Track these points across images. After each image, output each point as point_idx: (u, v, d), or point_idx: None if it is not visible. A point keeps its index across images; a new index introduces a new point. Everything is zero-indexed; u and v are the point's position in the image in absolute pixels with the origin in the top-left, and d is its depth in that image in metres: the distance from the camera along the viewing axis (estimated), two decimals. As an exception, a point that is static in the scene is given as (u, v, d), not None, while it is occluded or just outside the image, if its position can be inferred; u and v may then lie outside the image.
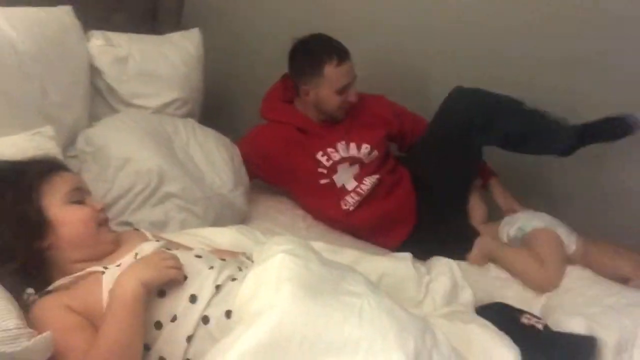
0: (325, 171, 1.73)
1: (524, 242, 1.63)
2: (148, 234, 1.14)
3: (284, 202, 1.84)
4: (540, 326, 1.21)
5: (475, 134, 1.66)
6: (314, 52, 1.68)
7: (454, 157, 1.71)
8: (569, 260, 1.55)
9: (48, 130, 1.34)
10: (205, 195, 1.52)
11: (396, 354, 0.83)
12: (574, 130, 1.63)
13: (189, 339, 0.89)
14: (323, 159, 1.73)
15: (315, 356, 0.80)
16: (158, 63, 1.80)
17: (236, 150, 1.76)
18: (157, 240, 1.07)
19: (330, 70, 1.65)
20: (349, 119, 1.77)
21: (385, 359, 0.82)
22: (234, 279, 0.96)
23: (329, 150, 1.73)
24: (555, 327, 1.24)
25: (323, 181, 1.74)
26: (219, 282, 0.94)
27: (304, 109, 1.78)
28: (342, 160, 1.74)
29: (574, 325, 1.20)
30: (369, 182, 1.74)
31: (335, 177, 1.73)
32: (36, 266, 0.97)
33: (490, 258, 1.61)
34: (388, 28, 2.01)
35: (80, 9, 1.60)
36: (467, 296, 1.36)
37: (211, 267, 0.98)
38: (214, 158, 1.65)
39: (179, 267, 0.94)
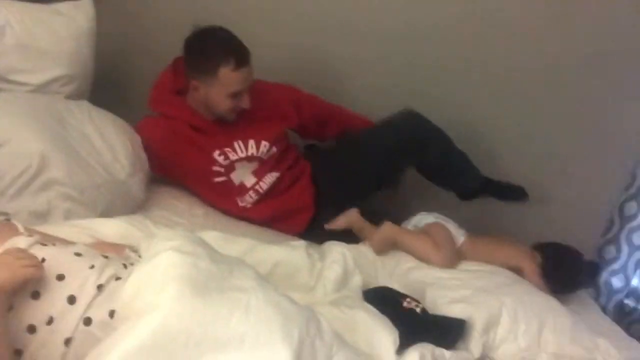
0: (222, 169, 1.70)
1: None
2: (20, 227, 1.04)
3: (181, 189, 1.80)
4: (418, 309, 1.32)
5: (405, 155, 1.75)
6: (211, 49, 1.58)
7: (374, 165, 1.76)
8: (460, 253, 1.69)
9: None
10: (95, 183, 1.44)
11: (280, 344, 0.87)
12: (480, 180, 1.83)
13: (68, 341, 0.86)
14: (220, 158, 1.69)
15: (201, 354, 0.81)
16: (42, 35, 1.65)
17: (135, 135, 1.67)
18: (30, 235, 0.99)
19: (226, 74, 1.57)
20: (245, 114, 1.70)
21: (269, 350, 0.86)
22: (117, 278, 0.94)
23: (226, 149, 1.68)
24: (433, 310, 1.35)
25: (218, 179, 1.70)
26: (101, 282, 0.91)
27: (195, 105, 1.69)
28: (240, 159, 1.71)
29: (450, 309, 1.32)
30: (268, 180, 1.73)
31: (232, 175, 1.70)
32: None
33: (393, 243, 1.69)
34: (294, 19, 2.01)
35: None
36: (356, 281, 1.44)
37: (92, 266, 0.94)
38: (112, 142, 1.56)
39: (36, 264, 0.88)
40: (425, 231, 1.74)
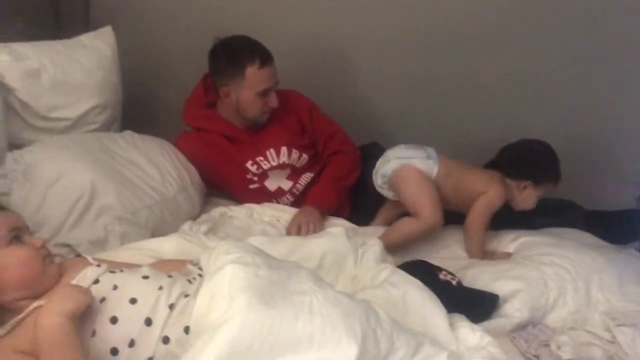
0: (255, 178, 1.76)
1: (391, 187, 1.69)
2: (89, 258, 1.13)
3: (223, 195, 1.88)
4: (454, 282, 1.36)
5: None
6: (235, 52, 1.66)
7: None
8: (437, 186, 1.62)
9: (-29, 165, 1.29)
10: (145, 204, 1.53)
11: (346, 339, 0.93)
12: None
13: None
14: (253, 168, 1.75)
15: (275, 357, 0.88)
16: (72, 70, 1.73)
17: (177, 151, 1.76)
18: (99, 265, 1.08)
19: (252, 72, 1.64)
20: (273, 123, 1.77)
21: (337, 346, 0.92)
22: (186, 295, 1.01)
23: (259, 159, 1.75)
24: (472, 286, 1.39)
25: (253, 186, 1.77)
26: (171, 301, 0.99)
27: (227, 114, 1.76)
28: (272, 168, 1.77)
29: (491, 286, 1.35)
30: (304, 182, 1.79)
31: (266, 183, 1.77)
32: None
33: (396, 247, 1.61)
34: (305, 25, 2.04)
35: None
36: (391, 259, 1.49)
37: (160, 287, 1.01)
38: (158, 162, 1.65)
39: (87, 292, 0.97)
40: (394, 184, 1.65)
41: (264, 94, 1.68)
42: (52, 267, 1.04)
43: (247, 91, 1.67)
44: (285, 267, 1.07)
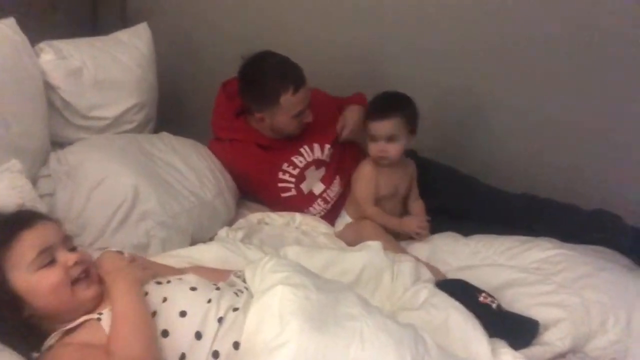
0: (292, 180, 1.76)
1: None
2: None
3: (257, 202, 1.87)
4: (494, 305, 1.34)
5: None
6: (269, 82, 1.63)
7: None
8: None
9: (15, 164, 1.30)
10: (185, 208, 1.54)
11: None
12: None
13: None
14: (290, 169, 1.75)
15: (328, 383, 0.89)
16: (111, 68, 1.74)
17: (212, 155, 1.77)
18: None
19: (287, 100, 1.64)
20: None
21: (388, 374, 0.93)
22: (235, 309, 1.02)
23: (293, 158, 1.75)
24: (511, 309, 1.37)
25: (286, 194, 1.76)
26: (220, 315, 1.00)
27: (258, 127, 1.76)
28: (308, 164, 1.77)
29: (531, 312, 1.33)
30: (335, 188, 1.79)
31: (302, 186, 1.76)
32: (25, 333, 0.96)
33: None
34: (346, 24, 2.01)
35: (17, 17, 1.50)
36: (426, 273, 1.48)
37: (209, 300, 1.02)
38: (196, 166, 1.66)
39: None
40: None
41: (299, 114, 1.69)
42: (86, 290, 1.00)
43: (282, 116, 1.68)
44: (332, 288, 1.08)
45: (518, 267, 1.53)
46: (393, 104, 1.62)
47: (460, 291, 1.37)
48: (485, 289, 1.41)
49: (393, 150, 1.62)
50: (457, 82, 1.94)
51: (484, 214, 1.73)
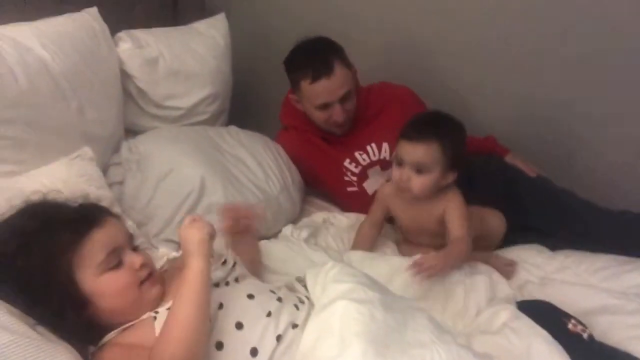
0: (354, 178, 1.67)
1: None
2: None
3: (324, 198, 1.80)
4: (585, 335, 1.18)
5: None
6: (295, 64, 1.58)
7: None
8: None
9: (87, 152, 1.32)
10: (250, 202, 1.49)
11: None
12: None
13: None
14: (351, 166, 1.66)
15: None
16: (188, 58, 1.74)
17: (282, 150, 1.72)
18: None
19: (305, 87, 1.55)
20: (374, 116, 1.66)
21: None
22: (294, 326, 0.95)
23: (357, 154, 1.65)
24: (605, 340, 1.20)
25: (350, 189, 1.68)
26: (279, 332, 0.93)
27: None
28: (372, 163, 1.66)
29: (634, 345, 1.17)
30: None
31: (365, 185, 1.66)
32: (84, 331, 0.94)
33: None
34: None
35: (100, 7, 1.53)
36: (504, 289, 1.34)
37: (269, 314, 0.95)
38: (262, 160, 1.62)
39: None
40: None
41: (323, 107, 1.57)
42: (151, 289, 0.98)
43: (307, 104, 1.61)
44: (401, 308, 0.98)
45: (614, 291, 1.34)
46: (433, 125, 1.33)
47: (546, 315, 1.21)
48: (574, 313, 1.24)
49: (417, 184, 1.31)
50: (541, 91, 1.73)
51: (575, 231, 1.53)
